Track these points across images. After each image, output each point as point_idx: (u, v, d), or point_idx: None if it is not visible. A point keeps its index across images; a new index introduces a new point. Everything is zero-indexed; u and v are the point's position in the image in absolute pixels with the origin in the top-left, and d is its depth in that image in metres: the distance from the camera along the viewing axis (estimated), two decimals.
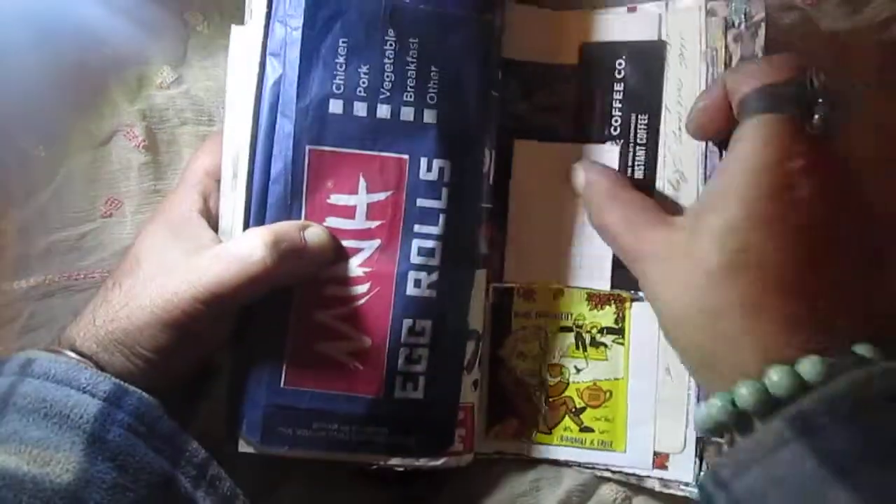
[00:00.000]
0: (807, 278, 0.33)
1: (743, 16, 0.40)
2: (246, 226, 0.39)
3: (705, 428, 0.34)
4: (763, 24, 0.40)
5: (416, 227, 0.39)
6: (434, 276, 0.39)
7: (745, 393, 0.31)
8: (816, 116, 0.34)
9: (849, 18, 0.42)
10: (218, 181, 0.40)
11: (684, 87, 0.41)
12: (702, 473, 0.40)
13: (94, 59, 0.45)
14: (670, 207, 0.40)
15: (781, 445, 0.29)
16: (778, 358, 0.31)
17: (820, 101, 0.34)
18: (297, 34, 0.38)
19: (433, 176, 0.39)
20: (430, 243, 0.39)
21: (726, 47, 0.41)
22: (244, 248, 0.37)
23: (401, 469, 0.40)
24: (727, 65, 0.40)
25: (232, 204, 0.40)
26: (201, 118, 0.46)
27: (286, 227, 0.38)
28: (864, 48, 0.44)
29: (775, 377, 0.31)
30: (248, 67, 0.39)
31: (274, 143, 0.39)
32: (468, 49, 0.39)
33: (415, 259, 0.39)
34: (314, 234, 0.38)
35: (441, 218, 0.39)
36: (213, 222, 0.40)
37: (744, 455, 0.30)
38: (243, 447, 0.40)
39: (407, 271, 0.39)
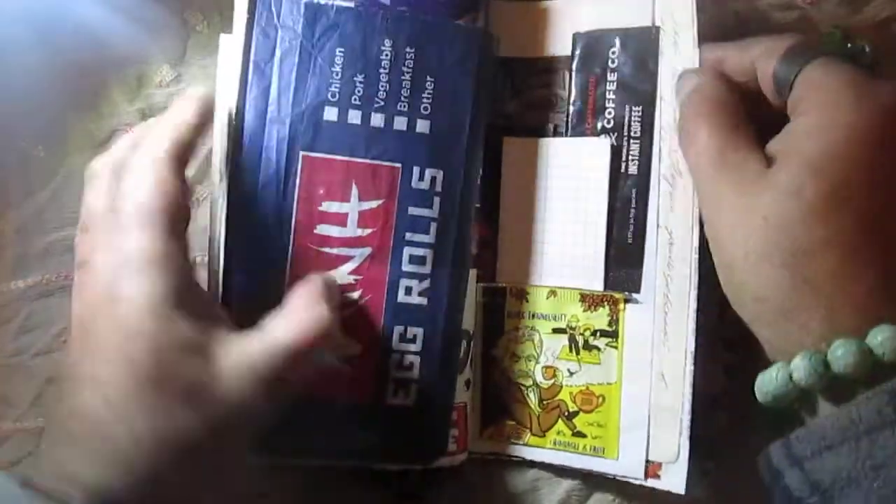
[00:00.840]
0: None
1: None
2: (229, 233, 0.38)
3: (779, 394, 0.28)
4: None
5: (408, 236, 0.39)
6: (425, 284, 0.39)
7: (841, 353, 0.26)
8: (861, 58, 0.32)
9: (849, 18, 0.41)
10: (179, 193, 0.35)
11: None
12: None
13: (94, 59, 0.45)
14: None
15: (884, 426, 0.25)
16: (880, 314, 0.27)
17: (860, 46, 0.32)
18: (296, 42, 0.38)
19: (425, 185, 0.39)
20: (421, 251, 0.39)
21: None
22: (308, 316, 0.34)
23: (396, 468, 0.41)
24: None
25: (219, 211, 0.39)
26: None
27: (325, 281, 0.37)
28: None
29: (881, 337, 0.26)
30: (235, 75, 0.39)
31: (263, 149, 0.38)
32: (464, 59, 0.39)
33: (406, 267, 0.39)
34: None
35: (433, 226, 0.39)
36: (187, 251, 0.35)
37: (832, 431, 0.26)
38: None
39: (398, 279, 0.39)
